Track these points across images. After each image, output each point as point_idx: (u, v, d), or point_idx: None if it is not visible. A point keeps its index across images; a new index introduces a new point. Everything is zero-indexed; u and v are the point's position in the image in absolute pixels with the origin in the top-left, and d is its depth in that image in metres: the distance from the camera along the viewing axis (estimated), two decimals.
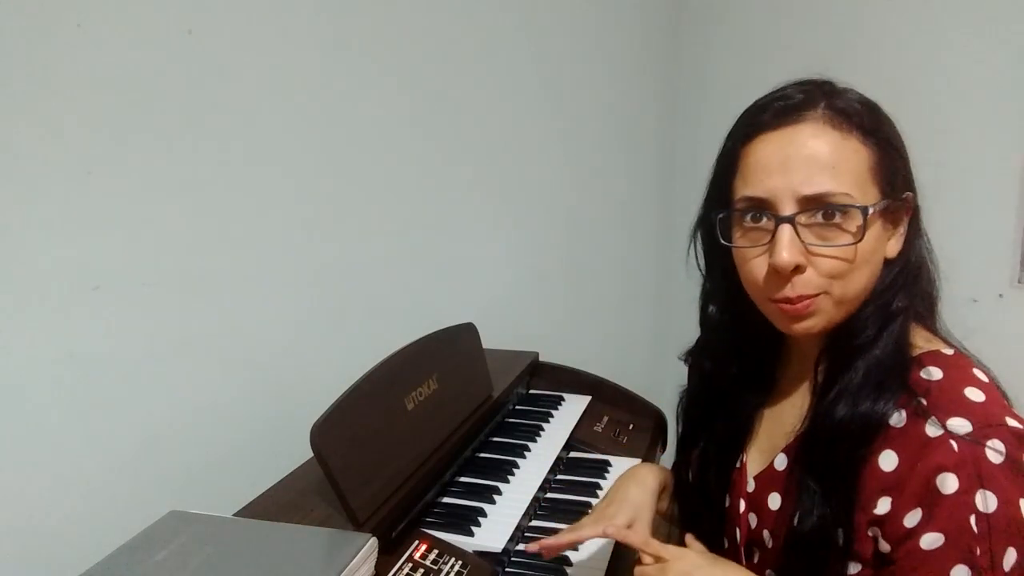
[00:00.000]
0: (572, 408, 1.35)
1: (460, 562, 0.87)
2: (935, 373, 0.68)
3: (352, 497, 0.85)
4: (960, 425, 0.63)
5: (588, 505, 1.11)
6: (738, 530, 0.81)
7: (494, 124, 1.55)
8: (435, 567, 0.86)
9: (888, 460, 0.66)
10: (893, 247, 0.72)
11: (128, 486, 0.98)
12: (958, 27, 1.37)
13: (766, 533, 0.77)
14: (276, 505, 0.92)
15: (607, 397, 1.41)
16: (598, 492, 1.14)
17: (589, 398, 1.39)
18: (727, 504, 0.83)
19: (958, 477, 0.61)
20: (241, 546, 0.79)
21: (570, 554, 0.99)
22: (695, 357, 0.91)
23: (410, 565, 0.86)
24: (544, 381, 1.45)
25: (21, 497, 0.89)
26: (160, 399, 1.02)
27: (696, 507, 0.88)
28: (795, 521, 0.71)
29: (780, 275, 0.68)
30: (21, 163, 0.86)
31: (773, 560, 0.76)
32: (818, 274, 0.68)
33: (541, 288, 1.74)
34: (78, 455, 0.94)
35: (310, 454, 0.85)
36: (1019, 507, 0.60)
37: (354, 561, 0.76)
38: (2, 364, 0.86)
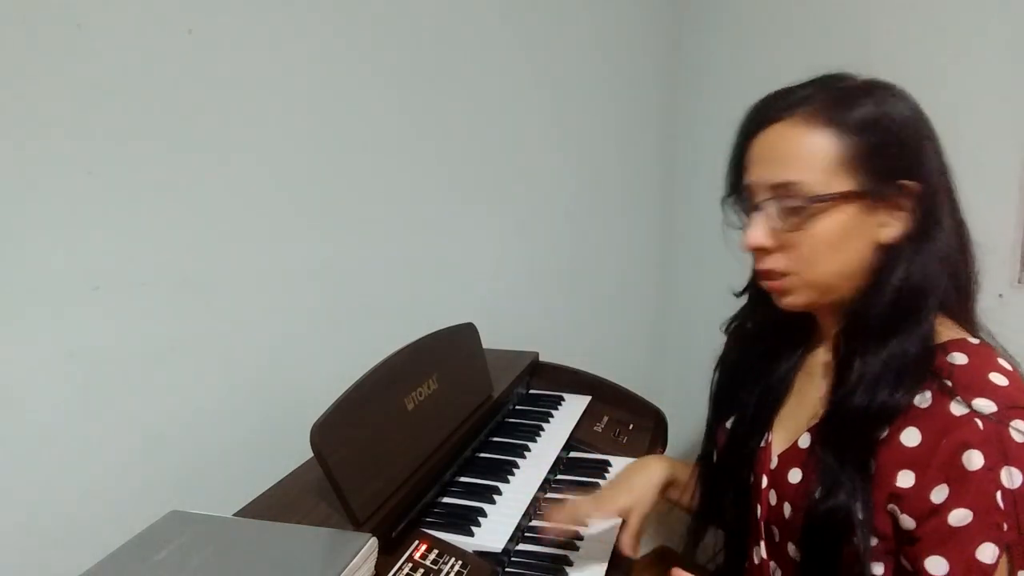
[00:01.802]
0: (572, 408, 1.35)
1: (460, 562, 0.87)
2: (960, 358, 0.70)
3: (352, 497, 0.86)
4: (985, 405, 0.65)
5: None
6: (759, 506, 0.84)
7: (494, 124, 1.54)
8: (435, 567, 0.86)
9: (911, 437, 0.68)
10: (888, 233, 0.73)
11: (128, 486, 0.98)
12: (958, 26, 1.37)
13: (787, 506, 0.79)
14: (276, 505, 0.92)
15: (607, 397, 1.41)
16: None
17: (589, 398, 1.39)
18: (751, 481, 0.86)
19: (984, 454, 0.63)
20: (241, 546, 0.79)
21: (570, 554, 0.99)
22: (738, 321, 0.93)
23: (410, 565, 0.85)
24: (544, 381, 1.45)
25: (21, 497, 0.89)
26: (160, 399, 1.02)
27: (720, 484, 0.91)
28: (816, 496, 0.73)
29: (756, 253, 0.77)
30: (21, 163, 0.86)
31: (794, 534, 0.78)
32: (787, 255, 0.75)
33: (541, 288, 1.74)
34: (78, 455, 0.94)
35: (310, 454, 0.85)
36: None
37: (354, 561, 0.76)
38: (2, 364, 0.86)
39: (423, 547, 0.89)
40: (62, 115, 0.89)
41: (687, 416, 2.00)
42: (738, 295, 0.92)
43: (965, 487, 0.64)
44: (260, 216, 1.13)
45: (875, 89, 0.74)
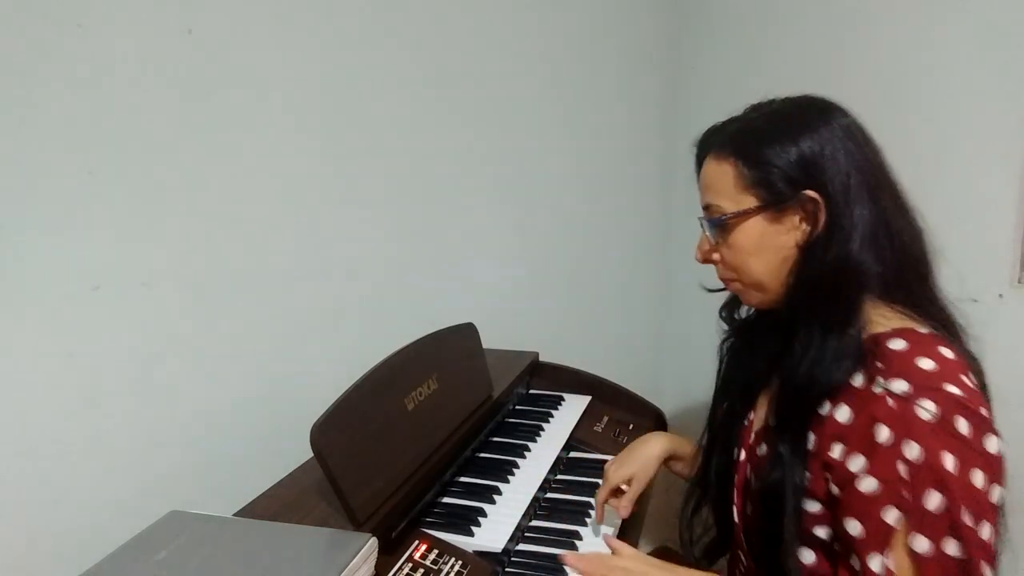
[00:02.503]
0: (572, 408, 1.35)
1: (460, 562, 0.87)
2: (898, 344, 0.76)
3: (352, 497, 0.86)
4: (899, 385, 0.73)
5: (588, 505, 1.11)
6: (736, 476, 0.94)
7: (495, 125, 1.54)
8: (435, 567, 0.86)
9: (842, 413, 0.77)
10: (799, 236, 0.83)
11: (128, 486, 0.98)
12: (957, 26, 1.36)
13: (752, 476, 0.90)
14: (276, 505, 0.92)
15: (607, 397, 1.41)
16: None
17: (589, 398, 1.39)
18: (735, 455, 0.96)
19: (890, 429, 0.72)
20: (241, 546, 0.79)
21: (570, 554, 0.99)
22: (733, 310, 1.03)
23: (410, 565, 0.86)
24: (544, 381, 1.45)
25: (21, 497, 0.89)
26: (160, 399, 1.02)
27: (710, 457, 1.01)
28: (764, 468, 0.84)
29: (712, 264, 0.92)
30: (21, 163, 0.86)
31: (758, 503, 0.87)
32: (724, 264, 0.89)
33: (541, 288, 1.74)
34: (78, 455, 0.94)
35: (310, 454, 0.85)
36: (940, 458, 0.69)
37: (354, 561, 0.76)
38: (2, 364, 0.86)
39: (423, 547, 0.89)
40: (62, 115, 0.89)
41: (687, 416, 2.00)
42: (710, 291, 1.01)
43: (874, 458, 0.72)
44: (260, 216, 1.13)
45: (781, 114, 0.85)
